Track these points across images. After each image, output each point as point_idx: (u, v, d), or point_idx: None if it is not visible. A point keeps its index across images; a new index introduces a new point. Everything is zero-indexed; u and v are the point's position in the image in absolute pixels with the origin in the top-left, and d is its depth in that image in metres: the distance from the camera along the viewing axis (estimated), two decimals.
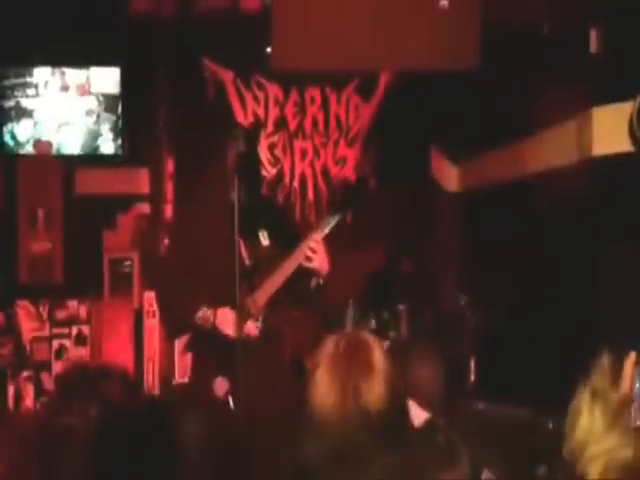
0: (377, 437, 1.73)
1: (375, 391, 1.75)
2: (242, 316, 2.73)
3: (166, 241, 4.83)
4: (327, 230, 2.89)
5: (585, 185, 3.84)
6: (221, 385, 2.83)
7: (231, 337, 2.79)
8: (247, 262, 2.88)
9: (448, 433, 2.13)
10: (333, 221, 2.92)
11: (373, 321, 4.55)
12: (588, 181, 3.83)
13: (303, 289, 2.92)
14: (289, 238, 2.95)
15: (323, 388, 1.75)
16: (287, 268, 2.85)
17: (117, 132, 5.26)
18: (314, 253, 2.84)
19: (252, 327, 2.86)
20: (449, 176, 5.58)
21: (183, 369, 4.82)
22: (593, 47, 3.92)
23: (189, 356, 3.14)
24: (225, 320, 2.82)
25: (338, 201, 3.26)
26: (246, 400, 2.69)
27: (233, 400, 2.80)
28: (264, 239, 2.96)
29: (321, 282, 2.88)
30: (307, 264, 2.85)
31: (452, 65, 4.21)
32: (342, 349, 1.79)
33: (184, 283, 2.88)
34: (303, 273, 2.88)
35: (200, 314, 2.85)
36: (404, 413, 2.05)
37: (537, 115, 4.33)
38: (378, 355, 1.80)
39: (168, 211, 5.19)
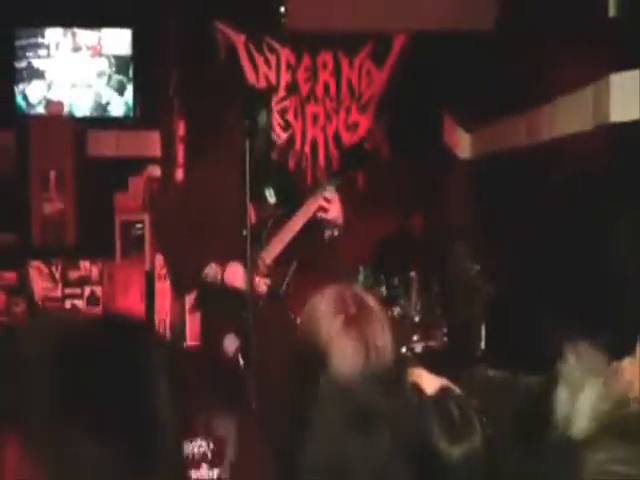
0: (391, 399, 1.72)
1: (388, 349, 1.74)
2: (252, 271, 2.73)
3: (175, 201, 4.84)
4: (335, 185, 2.89)
5: (602, 152, 3.80)
6: (231, 343, 2.84)
7: (240, 291, 2.80)
8: (253, 220, 2.88)
9: (461, 402, 2.11)
10: (339, 178, 2.94)
11: (384, 288, 4.55)
12: (605, 148, 3.79)
13: (317, 241, 2.91)
14: (295, 197, 2.95)
15: (342, 348, 1.73)
16: (295, 224, 2.86)
17: (128, 94, 5.24)
18: (329, 203, 2.82)
19: (261, 283, 2.86)
20: (462, 143, 5.55)
21: (194, 331, 4.85)
22: (612, 11, 3.86)
23: (198, 316, 3.15)
24: (234, 274, 2.83)
25: (345, 159, 3.29)
26: (255, 357, 2.70)
27: (243, 358, 2.81)
28: (270, 197, 2.95)
29: (335, 234, 2.87)
30: (322, 215, 2.84)
31: (467, 25, 4.17)
32: (351, 305, 1.77)
33: (192, 241, 2.88)
34: (317, 225, 2.87)
35: (208, 270, 2.86)
36: (404, 374, 2.05)
37: (553, 81, 4.28)
38: (382, 311, 1.80)
39: (179, 174, 5.17)
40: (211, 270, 2.87)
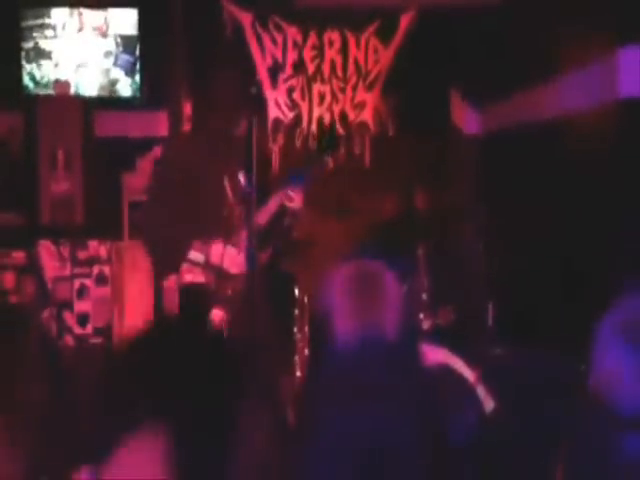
0: (391, 369, 1.73)
1: (390, 320, 1.75)
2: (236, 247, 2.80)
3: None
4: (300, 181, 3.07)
5: (611, 127, 3.78)
6: (217, 316, 2.92)
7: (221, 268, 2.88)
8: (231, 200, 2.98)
9: (458, 380, 2.13)
10: (315, 161, 3.16)
11: (390, 266, 4.55)
12: (614, 123, 3.77)
13: (280, 226, 3.08)
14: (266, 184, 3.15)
15: (343, 317, 1.75)
16: (270, 207, 3.02)
17: (135, 74, 5.24)
18: (295, 195, 3.11)
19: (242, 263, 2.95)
20: (470, 120, 5.52)
21: None
22: None
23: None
24: (219, 253, 2.90)
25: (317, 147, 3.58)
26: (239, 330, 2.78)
27: (228, 330, 2.89)
28: (243, 180, 3.06)
29: (292, 221, 3.09)
30: (287, 203, 3.11)
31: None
32: (356, 279, 1.79)
33: (174, 221, 2.95)
34: (280, 215, 3.06)
35: (193, 250, 2.93)
36: (416, 346, 2.06)
37: (562, 56, 4.25)
38: (390, 283, 1.81)
39: None
40: (195, 250, 2.94)
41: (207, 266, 2.93)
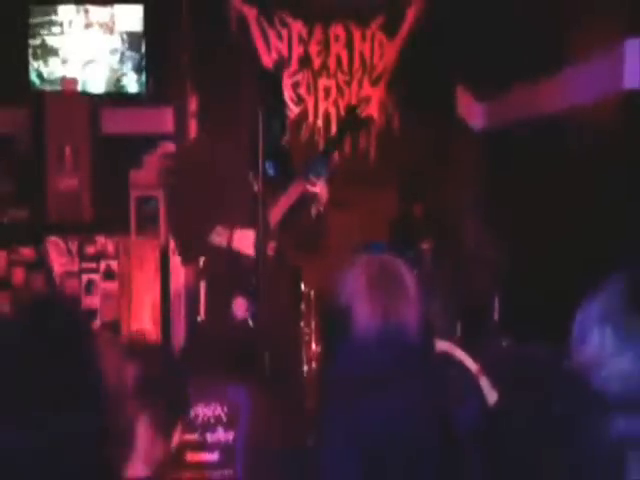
0: (408, 359, 1.75)
1: (411, 314, 1.77)
2: (263, 235, 2.78)
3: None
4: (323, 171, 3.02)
5: (616, 120, 3.78)
6: (240, 305, 2.89)
7: (248, 257, 2.86)
8: (255, 189, 2.97)
9: (459, 370, 2.14)
10: (335, 145, 3.22)
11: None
12: (619, 116, 3.76)
13: (305, 217, 3.04)
14: (290, 171, 3.08)
15: (364, 310, 1.75)
16: (290, 195, 2.99)
17: (141, 71, 5.25)
18: (317, 184, 3.06)
19: (268, 248, 2.92)
20: (476, 114, 5.51)
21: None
22: None
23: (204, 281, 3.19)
24: (244, 239, 2.89)
25: (340, 126, 3.47)
26: (264, 319, 2.75)
27: (252, 320, 2.87)
28: (269, 169, 3.04)
29: (321, 210, 3.03)
30: (311, 189, 3.05)
31: None
32: (378, 272, 1.79)
33: (197, 206, 2.95)
34: (305, 203, 3.01)
35: (215, 234, 2.92)
36: (432, 340, 2.07)
37: (568, 48, 4.24)
38: (410, 278, 1.82)
39: None
40: (218, 234, 2.93)
41: (229, 251, 2.92)
